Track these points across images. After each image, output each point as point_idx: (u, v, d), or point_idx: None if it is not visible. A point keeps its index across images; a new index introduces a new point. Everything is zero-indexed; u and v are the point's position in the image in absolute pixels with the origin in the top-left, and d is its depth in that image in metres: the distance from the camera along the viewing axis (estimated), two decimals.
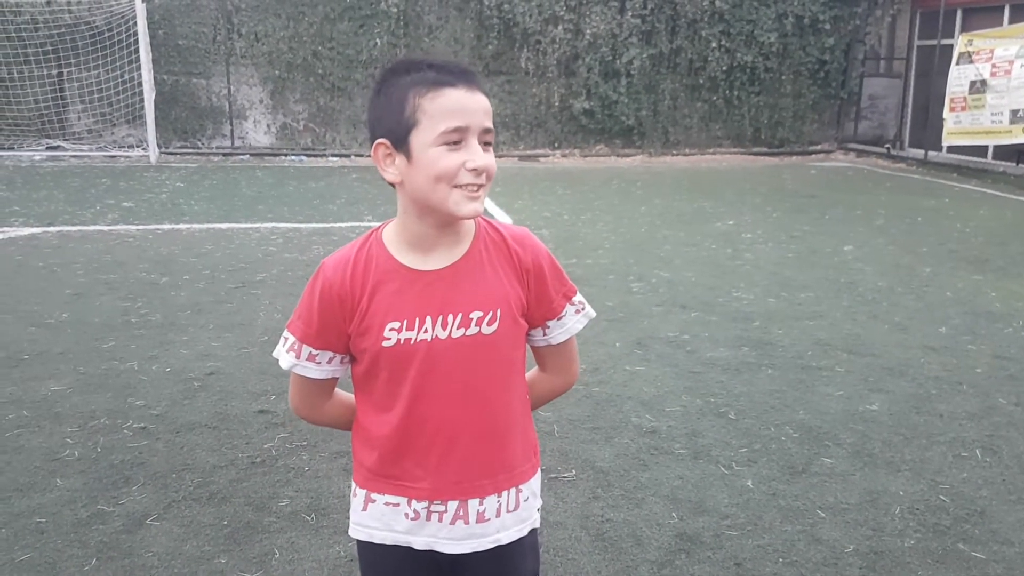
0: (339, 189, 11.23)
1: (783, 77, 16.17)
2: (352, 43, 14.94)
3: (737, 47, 15.75)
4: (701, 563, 2.82)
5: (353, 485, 1.59)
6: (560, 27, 15.19)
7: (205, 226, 8.44)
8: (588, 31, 15.24)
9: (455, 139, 1.37)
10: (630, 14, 15.30)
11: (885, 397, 4.27)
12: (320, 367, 1.51)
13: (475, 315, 1.46)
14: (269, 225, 8.49)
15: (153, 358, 4.67)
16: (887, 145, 15.96)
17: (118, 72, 13.92)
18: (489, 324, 1.46)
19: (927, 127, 14.65)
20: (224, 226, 8.44)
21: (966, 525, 3.10)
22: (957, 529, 3.07)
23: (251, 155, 14.76)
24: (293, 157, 14.74)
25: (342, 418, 1.64)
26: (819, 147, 16.66)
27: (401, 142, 1.40)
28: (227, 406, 4.05)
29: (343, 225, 8.61)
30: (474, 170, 1.38)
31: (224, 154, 14.68)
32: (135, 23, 13.27)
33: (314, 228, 8.43)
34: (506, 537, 1.55)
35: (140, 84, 13.59)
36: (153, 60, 13.64)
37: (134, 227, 8.29)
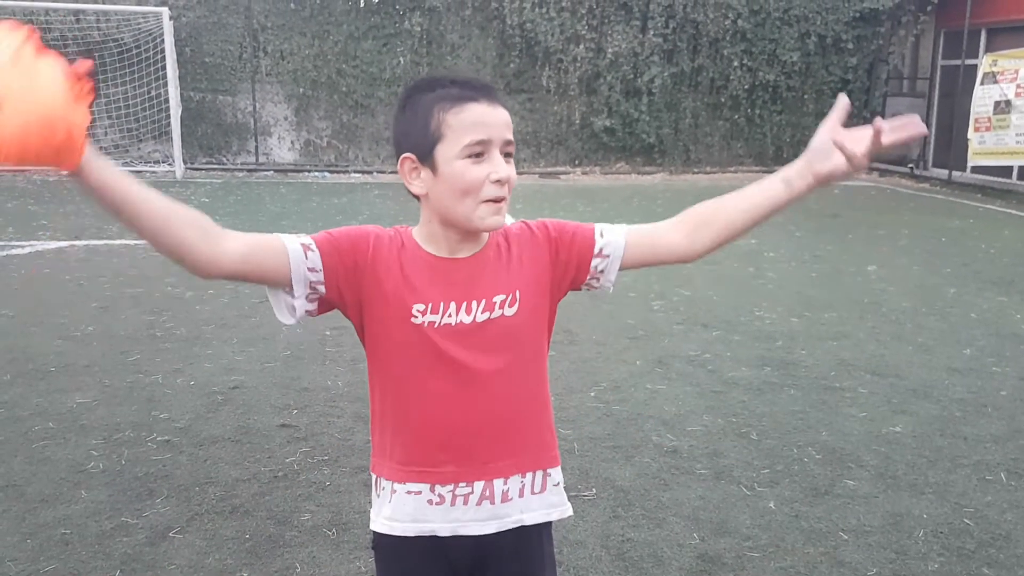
0: (361, 205, 11.31)
1: (805, 96, 16.14)
2: (376, 61, 15.08)
3: (759, 66, 15.75)
4: None
5: (374, 478, 1.59)
6: (582, 46, 15.26)
7: None
8: (610, 50, 15.30)
9: (478, 151, 1.41)
10: (652, 33, 15.34)
11: (909, 419, 4.23)
12: (298, 253, 1.42)
13: (497, 299, 1.49)
14: None
15: (177, 371, 4.72)
16: (911, 165, 15.87)
17: (145, 89, 14.11)
18: (510, 306, 1.49)
19: (951, 147, 14.56)
20: None
21: (991, 549, 3.06)
22: (982, 553, 3.03)
23: (275, 171, 14.90)
24: (316, 173, 14.86)
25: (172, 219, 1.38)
26: None
27: (426, 156, 1.45)
28: (250, 420, 4.08)
29: None
30: (497, 181, 1.42)
31: (249, 170, 14.83)
32: (163, 41, 13.46)
33: None
34: (530, 519, 1.56)
35: (167, 100, 13.77)
36: (180, 77, 13.83)
37: None
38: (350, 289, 1.48)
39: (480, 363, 1.49)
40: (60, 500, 3.28)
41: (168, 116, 13.83)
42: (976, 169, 14.01)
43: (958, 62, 14.73)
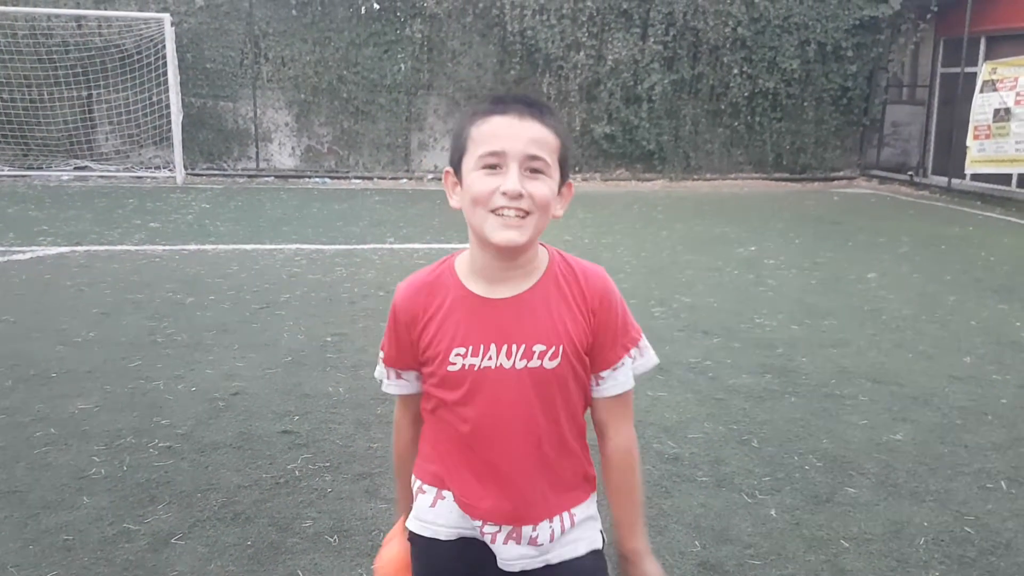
0: (362, 211, 11.32)
1: (805, 103, 16.17)
2: (377, 68, 15.11)
3: (759, 73, 15.78)
4: None
5: (419, 482, 1.61)
6: (582, 53, 15.29)
7: (230, 247, 8.53)
8: (610, 57, 15.33)
9: (492, 163, 1.40)
10: (652, 40, 15.38)
11: (910, 427, 4.24)
12: (405, 384, 1.62)
13: (538, 348, 1.47)
14: (293, 246, 8.57)
15: (179, 377, 4.72)
16: (910, 172, 15.90)
17: (146, 94, 14.13)
18: (551, 359, 1.48)
19: (950, 154, 14.59)
20: (249, 247, 8.52)
21: (992, 557, 3.07)
22: (983, 561, 3.04)
23: (276, 177, 14.91)
24: (317, 179, 14.88)
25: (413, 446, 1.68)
26: (841, 174, 16.62)
27: (457, 168, 1.47)
28: (251, 426, 4.08)
29: (365, 247, 8.67)
30: (506, 194, 1.39)
31: (249, 176, 14.84)
32: (164, 46, 13.49)
33: (337, 250, 8.50)
34: (555, 557, 1.56)
35: (168, 106, 13.79)
36: (181, 83, 13.85)
37: (160, 247, 8.39)
38: (416, 361, 1.58)
39: (515, 410, 1.49)
40: (62, 506, 3.28)
41: (169, 122, 13.85)
42: (975, 177, 14.03)
43: (958, 70, 14.77)
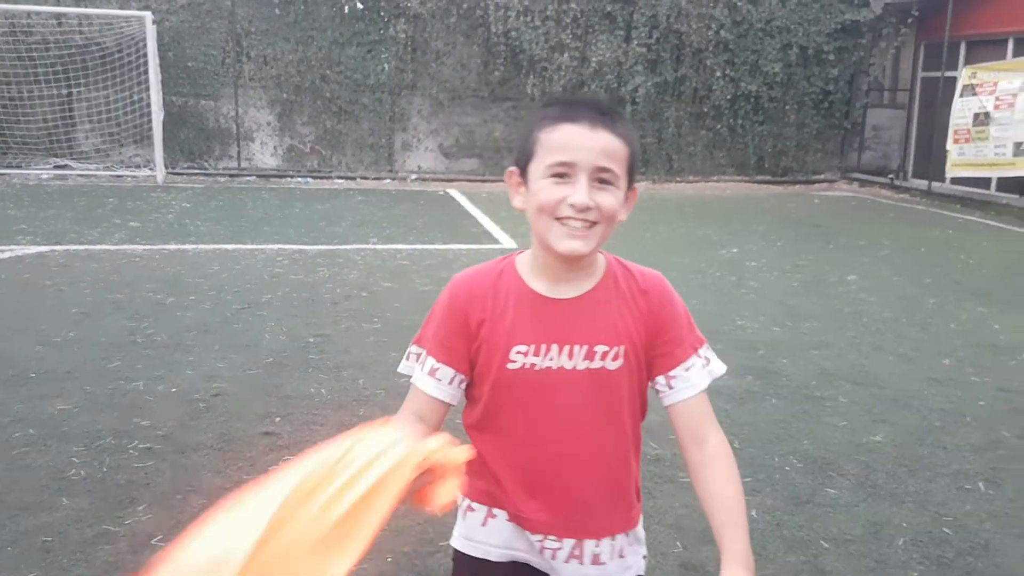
0: (345, 211, 11.29)
1: (787, 107, 16.26)
2: (360, 67, 15.07)
3: (742, 76, 15.86)
4: None
5: (465, 500, 1.55)
6: (566, 55, 15.31)
7: (211, 247, 8.48)
8: (594, 59, 15.36)
9: (560, 172, 1.38)
10: (636, 43, 15.42)
11: (889, 428, 4.27)
12: (439, 385, 1.48)
13: (600, 348, 1.44)
14: (275, 246, 8.53)
15: (159, 378, 4.69)
16: (891, 175, 16.03)
17: (127, 93, 14.03)
18: (613, 360, 1.45)
19: (931, 158, 14.72)
20: (230, 247, 8.48)
21: (969, 558, 3.10)
22: (960, 562, 3.07)
23: (257, 176, 14.84)
24: (299, 179, 14.82)
25: None
26: (823, 176, 16.73)
27: (523, 171, 1.45)
28: (232, 428, 4.06)
29: (349, 247, 8.65)
30: (574, 206, 1.37)
31: (231, 175, 14.76)
32: (145, 44, 13.40)
33: (320, 250, 8.47)
34: None
35: (148, 105, 13.68)
36: (162, 81, 13.75)
37: (141, 247, 8.33)
38: (464, 357, 1.49)
39: (575, 414, 1.45)
40: (41, 508, 3.25)
41: (150, 120, 13.75)
42: (955, 180, 14.16)
43: (938, 74, 14.91)
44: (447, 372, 1.48)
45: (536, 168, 1.41)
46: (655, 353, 1.50)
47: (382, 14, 14.91)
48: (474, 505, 1.54)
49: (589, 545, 1.50)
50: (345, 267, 7.68)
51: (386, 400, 4.42)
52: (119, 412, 4.20)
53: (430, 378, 1.48)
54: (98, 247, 8.27)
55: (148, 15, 13.32)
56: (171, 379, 4.69)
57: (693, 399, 1.50)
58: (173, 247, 8.41)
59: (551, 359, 1.44)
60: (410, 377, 1.53)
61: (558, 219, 1.39)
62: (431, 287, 6.98)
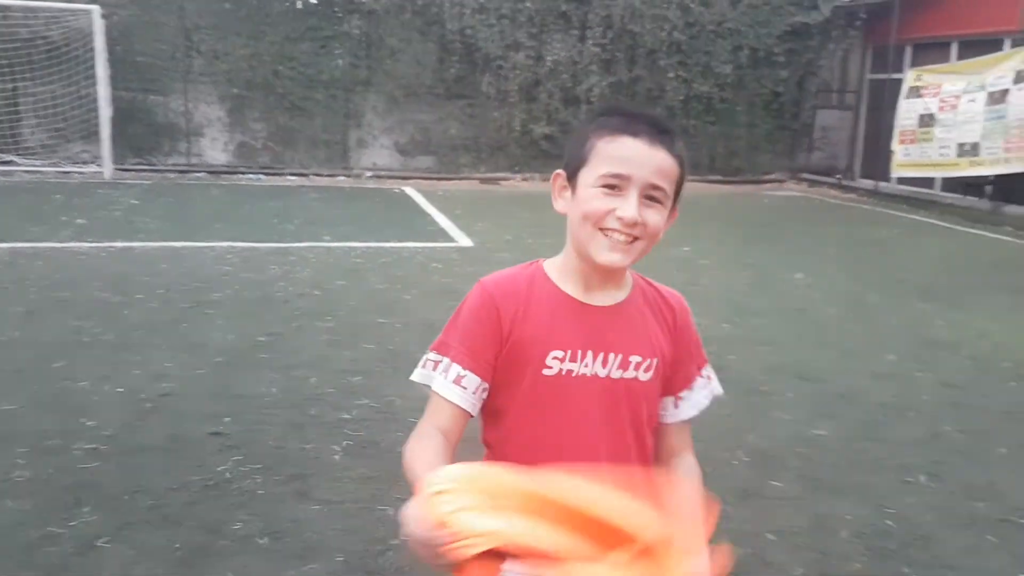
0: (297, 209, 11.18)
1: (738, 108, 16.48)
2: (313, 63, 14.93)
3: (694, 77, 16.04)
4: None
5: None
6: (521, 53, 15.34)
7: (160, 244, 8.34)
8: (549, 58, 15.42)
9: (613, 184, 1.37)
10: (590, 43, 15.51)
11: (834, 423, 4.37)
12: (464, 394, 1.41)
13: (634, 359, 1.44)
14: (225, 244, 8.41)
15: (106, 378, 4.61)
16: (838, 175, 16.34)
17: (74, 87, 13.72)
18: (646, 371, 1.45)
19: (877, 158, 15.03)
20: (179, 244, 8.35)
21: (911, 550, 3.18)
22: (902, 553, 3.15)
23: (208, 173, 14.62)
24: (251, 175, 14.64)
25: None
26: (773, 176, 16.98)
27: (572, 176, 1.43)
28: (180, 428, 4.00)
29: (301, 245, 8.56)
30: (621, 219, 1.37)
31: (180, 171, 14.53)
32: (93, 39, 13.13)
33: (271, 248, 8.37)
34: None
35: (96, 100, 13.41)
36: (110, 76, 13.49)
37: (87, 244, 8.16)
38: (490, 363, 1.44)
39: (609, 423, 1.44)
40: None
41: (97, 116, 13.47)
42: (901, 180, 14.49)
43: (885, 76, 15.23)
44: (473, 380, 1.41)
45: (588, 175, 1.40)
46: (674, 370, 1.51)
47: (335, 10, 14.79)
48: None
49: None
50: (297, 265, 7.61)
51: (338, 399, 4.40)
52: (65, 413, 4.12)
53: (456, 386, 1.41)
54: (44, 245, 8.08)
55: (96, 9, 13.05)
56: (118, 379, 4.61)
57: (685, 422, 1.54)
58: (121, 245, 8.25)
59: (587, 365, 1.42)
60: (428, 387, 1.45)
61: (602, 229, 1.38)
62: (386, 285, 6.96)
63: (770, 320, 6.33)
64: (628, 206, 1.36)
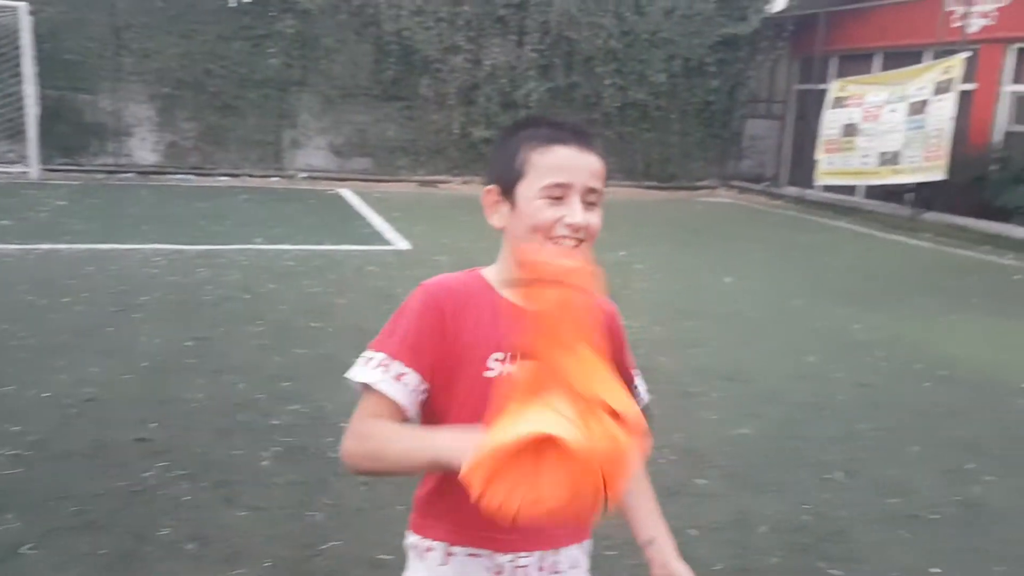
0: (228, 210, 11.03)
1: (672, 116, 16.78)
2: (246, 62, 14.73)
3: (630, 85, 16.29)
4: None
5: (416, 538, 1.51)
6: (460, 56, 15.39)
7: (86, 246, 8.15)
8: (487, 62, 15.50)
9: (557, 194, 1.40)
10: (528, 48, 15.64)
11: (757, 422, 4.50)
12: (405, 389, 1.41)
13: None
14: (152, 246, 8.25)
15: (30, 383, 4.50)
16: (766, 183, 16.76)
17: (0, 86, 13.32)
18: None
19: (803, 167, 15.46)
20: (106, 247, 8.17)
21: (826, 544, 3.30)
22: (818, 548, 3.27)
23: (136, 173, 14.31)
24: (180, 176, 14.37)
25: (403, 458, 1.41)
26: (705, 183, 17.32)
27: (508, 191, 1.45)
28: (106, 433, 3.94)
29: (231, 247, 8.45)
30: (570, 226, 1.41)
31: (108, 172, 14.19)
32: (20, 36, 12.76)
33: (200, 250, 8.25)
34: None
35: (23, 98, 13.04)
36: (37, 74, 13.12)
37: (13, 246, 7.93)
38: (431, 362, 1.44)
39: None
40: None
41: (24, 115, 13.10)
42: (827, 188, 14.91)
43: (811, 86, 15.68)
44: (414, 378, 1.41)
45: (528, 188, 1.43)
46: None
47: (269, 9, 14.63)
48: (434, 544, 1.50)
49: (551, 555, 1.52)
50: (227, 268, 7.52)
51: (268, 405, 4.38)
52: None
53: (396, 382, 1.40)
54: None
55: (23, 5, 12.69)
56: (43, 384, 4.51)
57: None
58: (47, 247, 8.04)
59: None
60: (363, 385, 1.43)
61: (550, 238, 1.42)
62: (319, 289, 6.93)
63: (700, 323, 6.49)
64: (575, 212, 1.41)
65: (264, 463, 3.74)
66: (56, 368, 4.76)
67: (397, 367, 1.41)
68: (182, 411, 4.25)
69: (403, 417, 1.42)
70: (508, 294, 1.47)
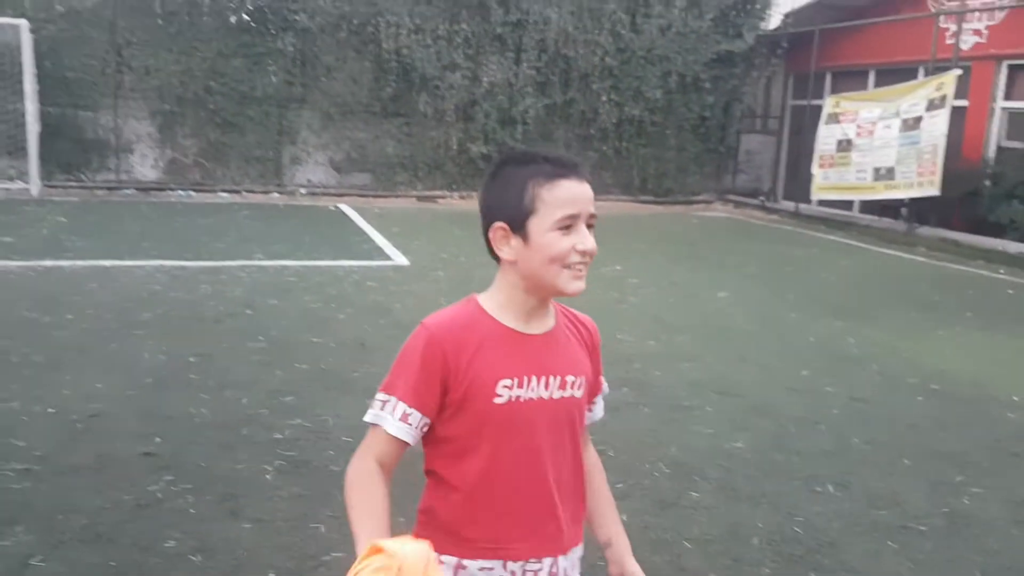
0: (228, 226, 11.12)
1: (668, 131, 16.92)
2: (246, 79, 14.85)
3: (625, 101, 16.43)
4: None
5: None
6: (458, 74, 15.53)
7: (88, 263, 8.24)
8: (485, 79, 15.64)
9: (568, 224, 1.54)
10: (525, 65, 15.79)
11: (750, 435, 4.58)
12: (408, 429, 1.54)
13: (569, 378, 1.61)
14: (155, 263, 8.34)
15: (36, 398, 4.58)
16: (762, 197, 16.87)
17: (0, 103, 13.43)
18: (579, 388, 1.63)
19: (798, 181, 15.57)
20: (108, 263, 8.25)
21: (817, 555, 3.38)
22: (809, 559, 3.35)
23: (137, 190, 14.40)
24: (181, 192, 14.47)
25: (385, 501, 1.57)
26: (700, 198, 17.43)
27: (519, 227, 1.56)
28: (111, 448, 4.02)
29: (232, 264, 8.54)
30: (583, 251, 1.55)
31: (109, 188, 14.29)
32: (20, 53, 12.88)
33: (201, 266, 8.34)
34: None
35: (24, 115, 13.14)
36: (38, 91, 13.24)
37: (15, 263, 8.02)
38: (435, 401, 1.56)
39: (551, 439, 1.60)
40: None
41: (25, 132, 13.20)
42: (821, 203, 15.02)
43: (805, 102, 15.82)
44: (417, 417, 1.54)
45: (542, 223, 1.54)
46: (592, 382, 1.71)
47: (269, 26, 14.77)
48: (443, 558, 1.57)
49: (562, 560, 1.63)
50: (228, 284, 7.60)
51: (271, 419, 4.46)
52: None
53: (401, 423, 1.53)
54: None
55: (24, 23, 12.81)
56: (48, 399, 4.58)
57: (590, 425, 1.76)
58: (49, 263, 8.13)
59: (532, 390, 1.58)
60: (373, 425, 1.57)
61: (566, 266, 1.55)
62: (319, 304, 7.01)
63: (694, 337, 6.57)
64: (586, 240, 1.55)
65: (267, 476, 3.81)
66: (61, 384, 4.84)
67: (403, 408, 1.54)
68: (186, 426, 4.33)
69: (404, 449, 1.57)
70: (508, 320, 1.60)
